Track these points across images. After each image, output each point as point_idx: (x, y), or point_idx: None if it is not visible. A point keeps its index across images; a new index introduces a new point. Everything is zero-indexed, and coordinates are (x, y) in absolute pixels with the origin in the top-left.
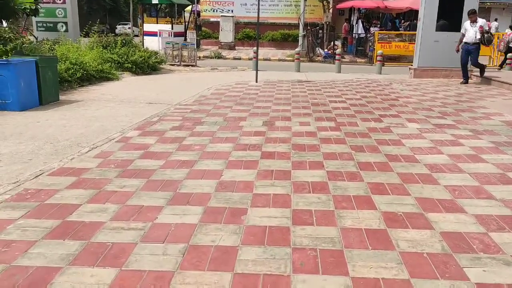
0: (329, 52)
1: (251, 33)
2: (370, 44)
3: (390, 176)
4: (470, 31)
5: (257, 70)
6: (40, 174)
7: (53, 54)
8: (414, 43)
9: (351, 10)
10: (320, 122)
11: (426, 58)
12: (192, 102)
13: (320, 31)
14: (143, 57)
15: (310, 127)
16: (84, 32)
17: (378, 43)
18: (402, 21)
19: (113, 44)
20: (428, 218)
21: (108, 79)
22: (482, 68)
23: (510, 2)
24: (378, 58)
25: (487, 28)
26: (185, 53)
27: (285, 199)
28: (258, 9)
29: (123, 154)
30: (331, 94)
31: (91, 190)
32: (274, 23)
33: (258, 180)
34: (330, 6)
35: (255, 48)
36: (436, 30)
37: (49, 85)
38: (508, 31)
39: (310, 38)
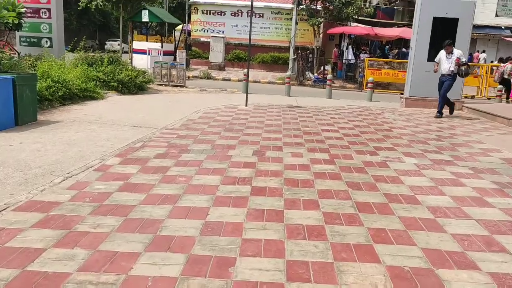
0: (319, 76)
1: (241, 54)
2: (360, 70)
3: (391, 220)
4: (445, 63)
5: (247, 94)
6: (4, 209)
7: (34, 71)
8: (403, 71)
9: (341, 35)
10: (313, 154)
11: (417, 88)
12: (179, 126)
13: (310, 55)
14: (130, 76)
15: (303, 159)
16: (70, 47)
17: (368, 69)
18: (391, 48)
19: (99, 62)
20: (439, 276)
21: (92, 98)
22: (450, 104)
23: (495, 33)
24: (369, 85)
25: (463, 60)
26: (174, 72)
27: (278, 247)
28: (250, 31)
29: (101, 185)
30: (323, 122)
31: (60, 230)
32: (264, 45)
33: (248, 222)
34: (321, 31)
35: (245, 70)
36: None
37: (27, 105)
38: (503, 64)
39: (300, 62)
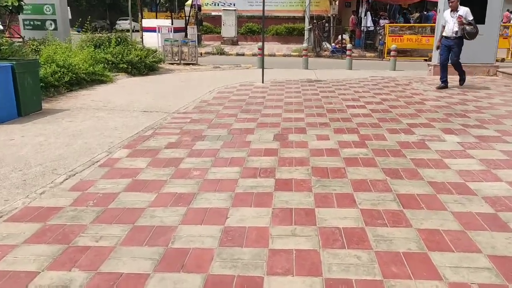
0: (337, 46)
1: (254, 27)
2: (380, 37)
3: (444, 217)
4: (450, 23)
5: (263, 70)
6: None
7: (38, 56)
8: (427, 36)
9: (358, 1)
10: (340, 135)
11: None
12: (192, 109)
13: (327, 25)
14: (139, 56)
15: (330, 142)
16: (84, 29)
17: (389, 36)
18: (411, 12)
19: (107, 43)
20: None
21: (100, 82)
22: (461, 73)
23: None
24: (392, 53)
25: (470, 18)
26: (185, 50)
27: (313, 260)
28: (264, 1)
29: (106, 184)
30: (347, 97)
31: (57, 245)
32: (278, 16)
33: (274, 226)
34: None
35: (259, 43)
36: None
37: (29, 93)
38: None
39: (316, 32)
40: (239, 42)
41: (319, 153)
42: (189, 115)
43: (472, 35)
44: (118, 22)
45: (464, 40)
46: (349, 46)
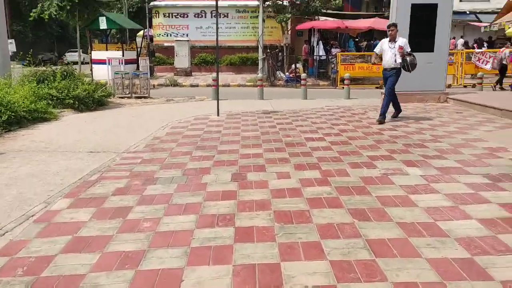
0: (291, 75)
1: (208, 58)
2: (333, 66)
3: (420, 266)
4: (388, 53)
5: (218, 102)
6: None
7: None
8: (378, 64)
9: (310, 31)
10: (302, 172)
11: (399, 82)
12: (144, 147)
13: (280, 54)
14: (87, 91)
15: (291, 181)
16: (26, 63)
17: (341, 65)
18: (360, 40)
19: (51, 77)
20: None
21: (44, 120)
22: (397, 106)
23: (461, 19)
24: (345, 81)
25: (408, 50)
26: (137, 82)
27: None
28: (217, 32)
29: (41, 244)
30: (305, 129)
31: None
32: (231, 46)
33: None
34: (289, 27)
35: (213, 73)
36: None
37: None
38: (503, 48)
39: (270, 62)
40: (193, 73)
41: (281, 193)
42: (140, 155)
43: (414, 66)
44: (67, 54)
45: (402, 70)
46: (303, 75)
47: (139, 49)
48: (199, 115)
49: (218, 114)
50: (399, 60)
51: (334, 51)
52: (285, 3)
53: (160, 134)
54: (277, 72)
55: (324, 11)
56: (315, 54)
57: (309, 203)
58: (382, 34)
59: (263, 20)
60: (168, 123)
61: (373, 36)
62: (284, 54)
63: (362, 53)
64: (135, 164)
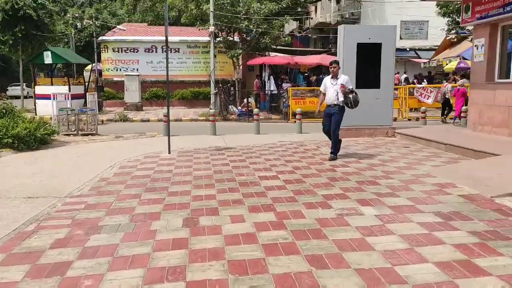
0: (243, 110)
1: (159, 92)
2: (284, 100)
3: None
4: (331, 90)
5: (169, 139)
6: None
7: None
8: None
9: (261, 66)
10: (256, 214)
11: (348, 117)
12: (88, 190)
13: (232, 88)
14: (28, 129)
15: (246, 225)
16: None
17: (293, 99)
18: (309, 76)
19: None
20: None
21: None
22: (336, 143)
23: (402, 55)
24: (297, 116)
25: (350, 87)
26: (84, 118)
27: None
28: (167, 67)
29: None
30: (259, 167)
31: None
32: (183, 81)
33: None
34: (240, 62)
35: (165, 108)
36: None
37: None
38: (444, 82)
39: (222, 96)
40: (143, 108)
41: (235, 240)
42: (84, 199)
43: (357, 103)
44: (9, 88)
45: (346, 108)
46: (255, 110)
47: (87, 84)
48: (150, 152)
49: (169, 152)
50: (341, 97)
51: (285, 85)
52: (236, 39)
53: (108, 174)
54: (230, 106)
55: (274, 47)
56: (266, 88)
57: (265, 250)
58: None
59: (215, 56)
60: (116, 162)
61: (321, 71)
62: (236, 88)
63: (313, 87)
64: (78, 210)
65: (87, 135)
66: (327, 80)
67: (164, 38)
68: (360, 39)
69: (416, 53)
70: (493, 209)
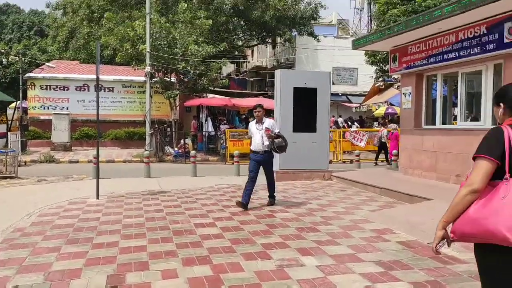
0: (180, 151)
1: (91, 132)
2: (222, 141)
3: None
4: (257, 135)
5: (98, 184)
6: None
7: None
8: None
9: (198, 107)
10: (191, 268)
11: (286, 160)
12: (0, 243)
13: (168, 129)
14: None
15: (179, 281)
16: None
17: (230, 141)
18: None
19: None
20: None
21: None
22: (273, 191)
23: (334, 100)
24: (235, 158)
25: (276, 131)
26: (3, 158)
27: None
28: (98, 106)
29: None
30: (195, 213)
31: None
32: (117, 120)
33: None
34: (177, 103)
35: (95, 151)
36: None
37: None
38: (381, 128)
39: (158, 137)
40: (73, 148)
41: None
42: None
43: (282, 148)
44: None
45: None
46: (192, 152)
47: (9, 122)
48: (76, 198)
49: (97, 197)
50: (266, 142)
51: (222, 127)
52: (173, 80)
53: (24, 224)
54: (166, 147)
55: (212, 88)
56: (204, 129)
57: None
58: (267, 112)
59: (151, 96)
60: (36, 209)
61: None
62: (173, 129)
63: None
64: None
65: (5, 178)
66: (252, 125)
67: (95, 76)
68: (297, 84)
69: (348, 98)
70: (431, 257)
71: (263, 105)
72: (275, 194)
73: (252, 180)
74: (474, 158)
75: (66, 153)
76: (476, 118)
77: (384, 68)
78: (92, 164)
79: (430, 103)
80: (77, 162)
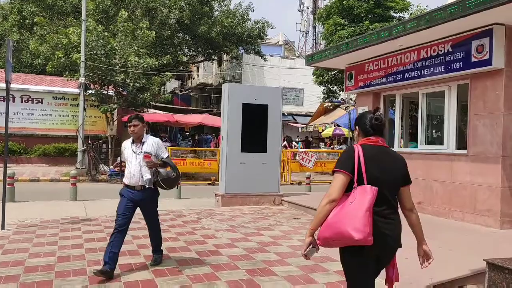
0: (115, 169)
1: (14, 147)
2: None
3: None
4: (132, 161)
5: (3, 211)
6: None
7: None
8: (209, 160)
9: None
10: None
11: (233, 183)
12: None
13: (104, 145)
14: None
15: None
16: None
17: (172, 160)
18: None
19: None
20: None
21: None
22: (159, 242)
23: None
24: None
25: (164, 156)
26: None
27: None
28: (7, 115)
29: None
30: (123, 249)
31: None
32: (46, 135)
33: None
34: (115, 118)
35: (20, 167)
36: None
37: None
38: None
39: (92, 154)
40: None
41: None
42: None
43: (171, 182)
44: None
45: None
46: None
47: None
48: None
49: (2, 227)
50: (147, 175)
51: (164, 145)
52: (111, 93)
53: None
54: (100, 165)
55: (154, 103)
56: None
57: None
58: (213, 130)
59: (84, 109)
60: None
61: (203, 130)
62: (109, 145)
63: (194, 148)
64: None
65: None
66: (127, 146)
67: (21, 86)
68: (246, 99)
69: (294, 118)
70: None
71: (142, 117)
72: (162, 248)
73: (120, 230)
74: (333, 173)
75: None
76: (433, 142)
77: (332, 88)
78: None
79: (388, 125)
80: None
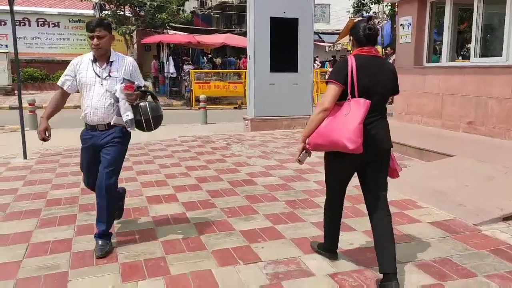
0: None
1: (36, 74)
2: (186, 84)
3: None
4: (95, 90)
5: (24, 140)
6: None
7: None
8: (234, 83)
9: (159, 45)
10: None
11: (263, 106)
12: None
13: None
14: None
15: None
16: None
17: (196, 83)
18: (213, 57)
19: None
20: None
21: None
22: (112, 206)
23: None
24: (201, 104)
25: (141, 84)
26: None
27: None
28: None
29: None
30: (150, 179)
31: None
32: (65, 60)
33: None
34: (134, 40)
35: (44, 93)
36: None
37: None
38: None
39: None
40: (15, 92)
41: None
42: None
43: (157, 120)
44: None
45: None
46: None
47: None
48: None
49: (25, 156)
50: (128, 113)
51: (186, 68)
52: (128, 13)
53: None
54: None
55: (173, 24)
56: (165, 71)
57: None
58: (236, 51)
59: None
60: None
61: (226, 52)
62: None
63: (218, 70)
64: None
65: None
66: (82, 66)
67: (39, 8)
68: (274, 13)
69: (320, 37)
70: (490, 250)
71: (109, 23)
72: (110, 230)
73: (89, 186)
74: (326, 83)
75: (7, 98)
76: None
77: (363, 1)
78: (36, 110)
79: (432, 37)
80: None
